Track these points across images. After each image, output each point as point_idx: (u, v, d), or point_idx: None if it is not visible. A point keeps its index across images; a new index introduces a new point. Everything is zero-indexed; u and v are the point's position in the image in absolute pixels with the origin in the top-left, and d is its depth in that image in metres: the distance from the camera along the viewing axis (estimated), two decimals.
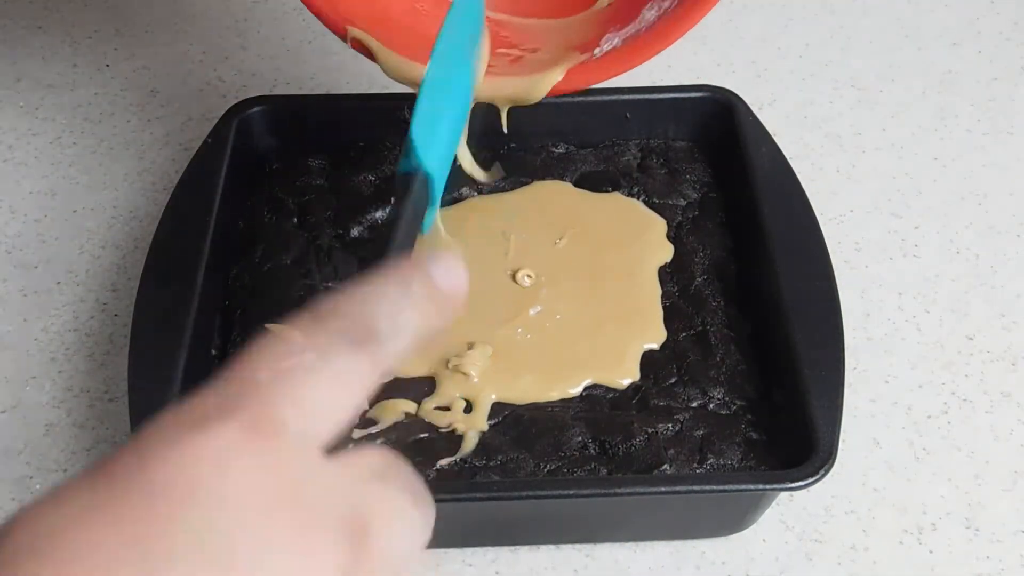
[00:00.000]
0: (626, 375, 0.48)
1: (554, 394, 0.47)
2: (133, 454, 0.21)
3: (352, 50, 0.49)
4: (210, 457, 0.21)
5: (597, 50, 0.48)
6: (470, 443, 0.45)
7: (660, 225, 0.53)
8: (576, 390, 0.47)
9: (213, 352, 0.49)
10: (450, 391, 0.47)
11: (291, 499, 0.22)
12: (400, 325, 0.25)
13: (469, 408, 0.47)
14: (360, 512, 0.23)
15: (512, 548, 0.47)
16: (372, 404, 0.47)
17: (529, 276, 0.51)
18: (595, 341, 0.48)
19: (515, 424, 0.46)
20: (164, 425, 0.22)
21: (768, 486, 0.43)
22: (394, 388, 0.47)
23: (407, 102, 0.56)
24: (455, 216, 0.53)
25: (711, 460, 0.45)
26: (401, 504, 0.25)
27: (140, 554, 0.20)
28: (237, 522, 0.21)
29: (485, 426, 0.46)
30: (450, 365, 0.47)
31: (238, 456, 0.21)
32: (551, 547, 0.47)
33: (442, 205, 0.45)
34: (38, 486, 0.48)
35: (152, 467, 0.21)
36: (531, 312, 0.50)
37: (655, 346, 0.49)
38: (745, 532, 0.47)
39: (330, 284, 0.51)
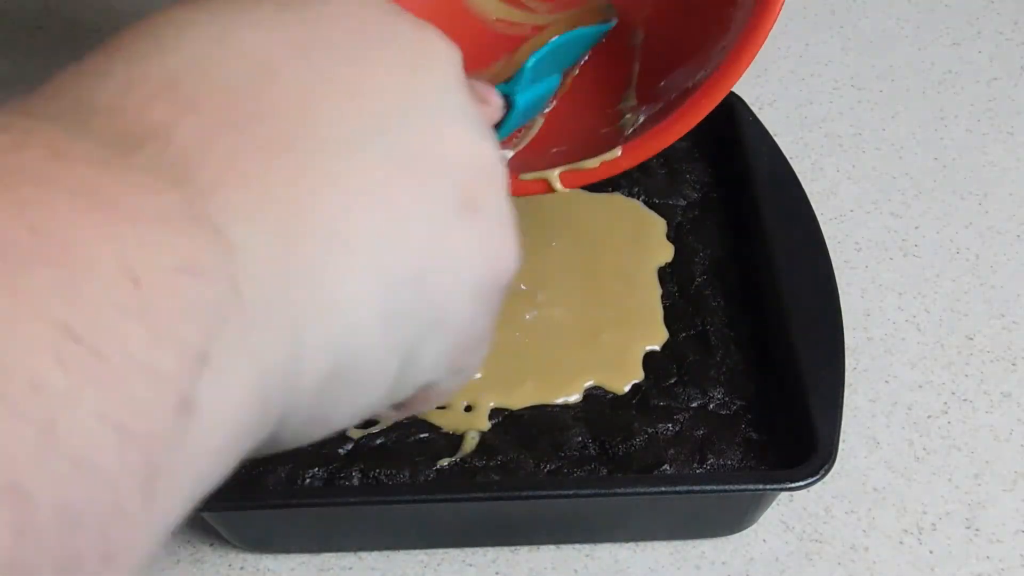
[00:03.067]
0: (629, 379, 0.48)
1: (556, 401, 0.47)
2: None
3: None
4: None
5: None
6: (470, 443, 0.45)
7: (660, 225, 0.53)
8: (577, 397, 0.47)
9: None
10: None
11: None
12: None
13: (469, 408, 0.47)
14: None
15: (512, 548, 0.47)
16: None
17: (528, 278, 0.51)
18: (596, 345, 0.48)
19: (515, 424, 0.46)
20: None
21: (768, 486, 0.43)
22: None
23: None
24: None
25: (711, 460, 0.45)
26: None
27: None
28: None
29: (485, 426, 0.46)
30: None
31: None
32: (551, 547, 0.47)
33: None
34: None
35: None
36: (527, 316, 0.50)
37: (656, 347, 0.49)
38: (745, 532, 0.47)
39: None
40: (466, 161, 0.24)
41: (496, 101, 0.33)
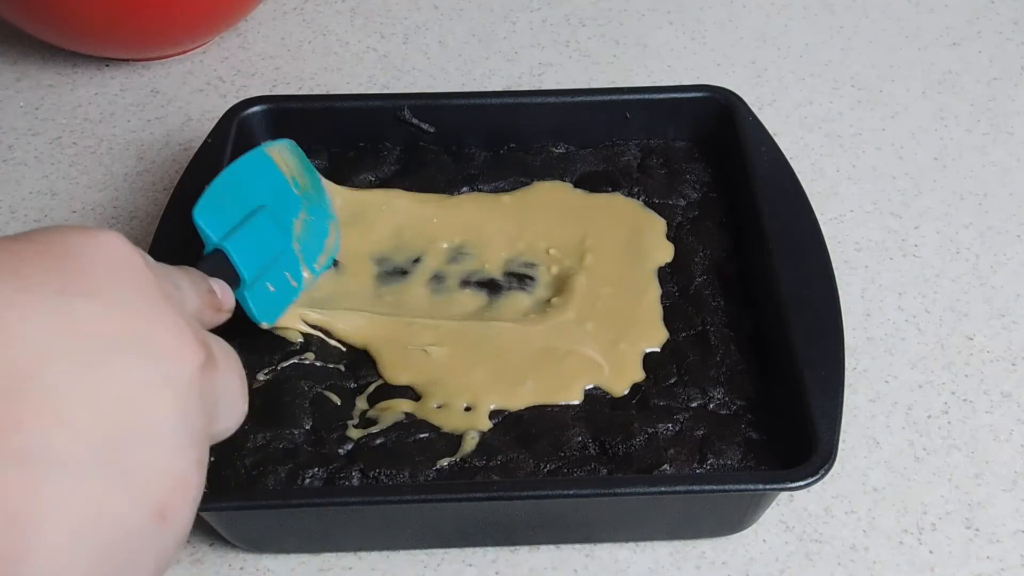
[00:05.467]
0: (629, 379, 0.48)
1: (556, 401, 0.47)
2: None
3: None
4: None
5: None
6: (470, 443, 0.45)
7: (660, 225, 0.53)
8: (577, 400, 0.47)
9: None
10: (444, 396, 0.47)
11: (164, 297, 0.30)
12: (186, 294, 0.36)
13: (469, 408, 0.46)
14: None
15: (512, 548, 0.47)
16: (372, 404, 0.47)
17: (529, 278, 0.51)
18: (596, 345, 0.48)
19: (515, 424, 0.46)
20: None
21: (768, 486, 0.43)
22: (393, 390, 0.47)
23: (407, 101, 0.57)
24: (453, 214, 0.53)
25: (711, 460, 0.45)
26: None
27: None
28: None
29: (485, 426, 0.46)
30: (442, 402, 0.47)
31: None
32: (551, 547, 0.47)
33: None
34: None
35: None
36: (527, 317, 0.50)
37: (656, 347, 0.49)
38: (745, 532, 0.47)
39: None
40: (168, 477, 0.28)
41: (228, 304, 0.40)
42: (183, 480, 0.28)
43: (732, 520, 0.46)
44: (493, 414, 0.46)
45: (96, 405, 0.26)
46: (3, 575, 0.24)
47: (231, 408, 0.32)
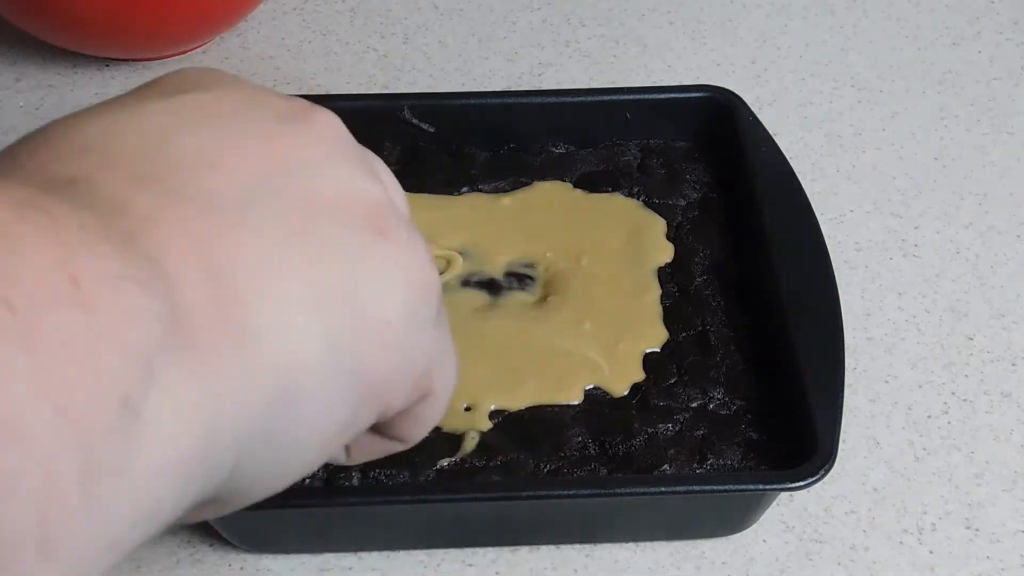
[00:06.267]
0: (629, 380, 0.48)
1: (556, 401, 0.47)
2: None
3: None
4: None
5: None
6: (470, 443, 0.45)
7: (660, 225, 0.53)
8: (577, 400, 0.47)
9: None
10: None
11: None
12: None
13: (469, 408, 0.47)
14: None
15: (512, 548, 0.47)
16: None
17: (529, 278, 0.51)
18: (596, 345, 0.48)
19: (515, 424, 0.46)
20: None
21: (768, 486, 0.43)
22: None
23: (407, 101, 0.56)
24: (453, 215, 0.53)
25: (711, 460, 0.45)
26: None
27: None
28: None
29: (485, 426, 0.46)
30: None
31: None
32: (551, 547, 0.47)
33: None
34: None
35: None
36: (527, 317, 0.50)
37: (656, 347, 0.49)
38: (745, 532, 0.47)
39: None
40: (364, 198, 0.27)
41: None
42: (382, 200, 0.27)
43: (732, 520, 0.46)
44: (493, 414, 0.46)
45: (249, 149, 0.26)
46: (227, 345, 0.23)
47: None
